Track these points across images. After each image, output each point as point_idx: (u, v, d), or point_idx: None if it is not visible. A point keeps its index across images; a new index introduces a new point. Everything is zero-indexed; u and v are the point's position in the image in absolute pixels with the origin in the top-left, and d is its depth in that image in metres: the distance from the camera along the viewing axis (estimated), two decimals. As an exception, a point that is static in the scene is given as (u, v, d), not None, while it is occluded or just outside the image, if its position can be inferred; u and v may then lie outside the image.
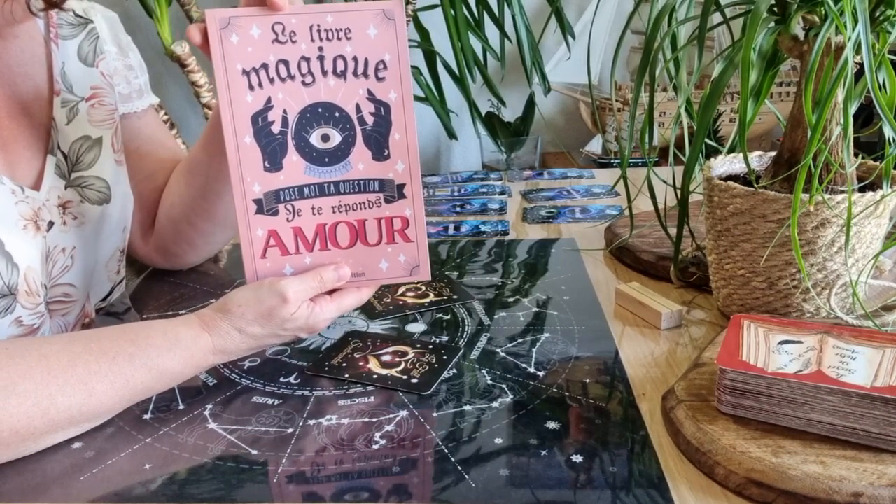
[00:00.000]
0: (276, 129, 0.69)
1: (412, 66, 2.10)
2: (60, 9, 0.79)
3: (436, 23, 2.07)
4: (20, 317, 0.74)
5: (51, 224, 0.78)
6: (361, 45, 0.68)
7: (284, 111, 0.68)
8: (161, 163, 0.94)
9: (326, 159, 0.70)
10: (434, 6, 2.02)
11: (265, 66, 0.67)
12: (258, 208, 0.70)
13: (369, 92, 0.69)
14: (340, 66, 0.68)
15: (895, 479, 0.53)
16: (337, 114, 0.69)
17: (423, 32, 2.08)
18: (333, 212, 0.71)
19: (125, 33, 0.93)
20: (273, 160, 0.69)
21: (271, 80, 0.68)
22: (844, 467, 0.54)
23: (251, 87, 0.67)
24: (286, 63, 0.68)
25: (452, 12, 1.84)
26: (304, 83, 0.68)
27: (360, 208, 0.71)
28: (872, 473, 0.53)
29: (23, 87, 0.79)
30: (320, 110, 0.69)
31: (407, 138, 0.70)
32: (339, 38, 0.68)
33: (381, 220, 0.71)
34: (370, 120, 0.69)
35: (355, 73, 0.68)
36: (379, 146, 0.70)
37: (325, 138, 0.69)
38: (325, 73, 0.68)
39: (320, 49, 0.68)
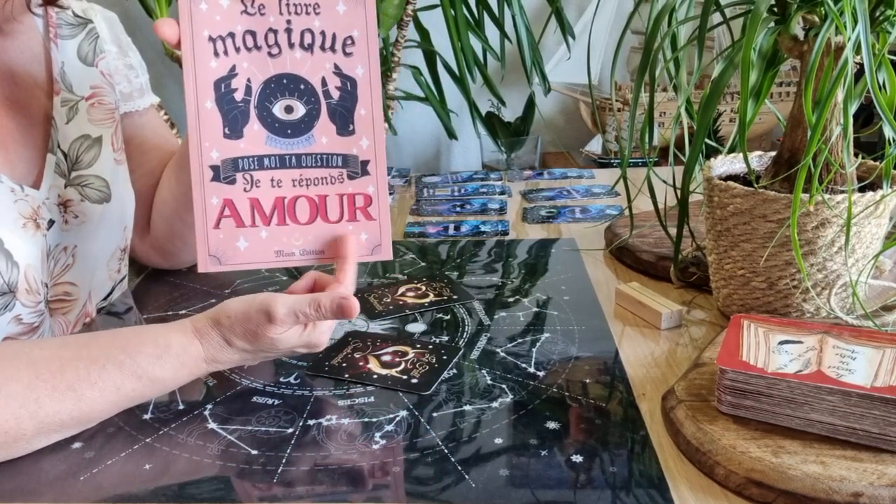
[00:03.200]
0: (238, 96, 0.68)
1: (412, 66, 2.11)
2: (58, 6, 0.79)
3: (436, 23, 2.07)
4: (20, 315, 0.74)
5: (51, 223, 0.78)
6: (329, 20, 0.68)
7: (248, 80, 0.68)
8: (162, 160, 0.95)
9: (289, 131, 0.69)
10: (434, 6, 2.02)
11: (232, 35, 0.67)
12: (214, 175, 0.68)
13: (336, 66, 0.69)
14: (308, 39, 0.68)
15: (895, 479, 0.53)
16: (302, 86, 0.69)
17: (423, 32, 2.09)
18: (294, 185, 0.69)
19: (125, 33, 0.94)
20: (233, 127, 0.68)
21: (237, 49, 0.67)
22: (844, 467, 0.54)
23: (216, 54, 0.67)
24: (253, 34, 0.68)
25: (452, 12, 1.84)
26: (270, 54, 0.68)
27: (322, 183, 0.70)
28: (872, 473, 0.53)
29: (22, 86, 0.79)
30: (285, 81, 0.68)
31: (373, 114, 0.69)
32: (307, 13, 0.68)
33: (343, 197, 0.70)
34: (336, 94, 0.69)
35: (322, 47, 0.68)
36: (344, 121, 0.69)
37: (289, 110, 0.68)
38: (291, 46, 0.68)
39: (288, 22, 0.68)
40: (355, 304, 0.64)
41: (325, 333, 0.68)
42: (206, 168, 0.68)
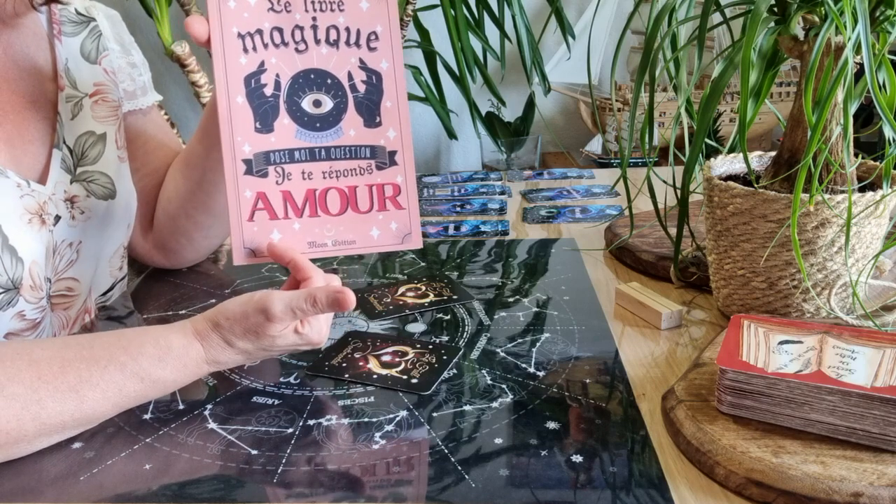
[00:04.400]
0: (268, 91, 0.69)
1: (412, 66, 2.11)
2: (60, 2, 0.79)
3: (436, 23, 2.07)
4: (23, 311, 0.74)
5: (57, 218, 0.78)
6: (354, 16, 0.70)
7: (277, 75, 0.69)
8: (165, 159, 0.95)
9: (318, 124, 0.70)
10: (434, 6, 2.02)
11: (260, 32, 0.69)
12: (247, 169, 0.69)
13: (361, 61, 0.70)
14: (333, 35, 0.70)
15: (895, 479, 0.53)
16: (329, 80, 0.70)
17: (423, 32, 2.09)
18: (324, 177, 0.71)
19: (127, 32, 0.94)
20: (264, 122, 0.69)
21: (265, 45, 0.69)
22: (844, 467, 0.54)
23: (245, 50, 0.68)
24: (280, 30, 0.69)
25: (452, 12, 1.84)
26: (297, 50, 0.69)
27: (351, 175, 0.71)
28: (872, 473, 0.53)
29: (28, 82, 0.79)
30: (312, 76, 0.70)
31: (399, 106, 0.71)
32: (332, 10, 0.70)
33: (373, 187, 0.71)
34: (362, 88, 0.71)
35: (347, 43, 0.70)
36: (370, 113, 0.71)
37: (317, 104, 0.70)
38: (318, 42, 0.70)
39: (314, 19, 0.69)
40: (350, 297, 0.65)
41: (323, 329, 0.68)
42: (239, 162, 0.69)
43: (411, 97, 2.15)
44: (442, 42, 2.09)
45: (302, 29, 0.69)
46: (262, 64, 0.69)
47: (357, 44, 0.70)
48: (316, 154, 0.70)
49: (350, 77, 0.70)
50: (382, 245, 0.72)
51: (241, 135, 0.69)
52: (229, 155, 0.69)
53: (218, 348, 0.65)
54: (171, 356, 0.64)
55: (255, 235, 0.70)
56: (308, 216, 0.71)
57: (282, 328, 0.65)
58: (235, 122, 0.68)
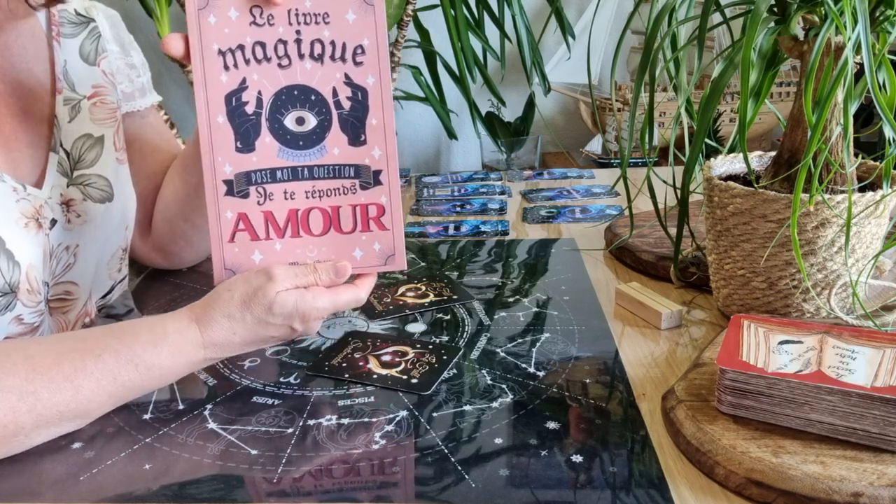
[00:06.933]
0: (249, 109, 0.68)
1: (412, 66, 2.11)
2: (60, 2, 0.79)
3: (436, 23, 2.08)
4: (20, 315, 0.74)
5: (54, 222, 0.78)
6: (339, 29, 0.68)
7: (259, 92, 0.68)
8: (163, 162, 0.94)
9: (301, 143, 0.69)
10: (434, 6, 2.02)
11: (241, 48, 0.67)
12: (228, 189, 0.68)
13: (347, 76, 0.68)
14: (318, 49, 0.68)
15: (895, 479, 0.53)
16: (313, 97, 0.68)
17: (423, 32, 2.09)
18: (307, 197, 0.69)
19: (127, 32, 0.93)
20: (245, 141, 0.68)
21: (247, 61, 0.67)
22: (844, 467, 0.54)
23: (226, 67, 0.67)
24: (262, 45, 0.67)
25: (452, 12, 1.84)
26: (280, 65, 0.68)
27: (335, 194, 0.70)
28: (872, 473, 0.53)
29: (25, 84, 0.79)
30: (296, 93, 0.68)
31: (384, 124, 0.69)
32: (316, 23, 0.67)
33: (356, 207, 0.70)
34: (347, 104, 0.69)
35: (332, 57, 0.68)
36: (355, 131, 0.69)
37: (300, 121, 0.68)
38: (301, 56, 0.68)
39: (298, 32, 0.67)
40: (349, 267, 0.68)
41: (313, 303, 0.67)
42: (220, 183, 0.68)
43: (411, 97, 2.15)
44: (442, 42, 2.10)
45: (285, 43, 0.67)
46: (244, 81, 0.67)
47: (342, 58, 0.68)
48: (298, 173, 0.69)
49: (335, 93, 0.68)
50: (365, 266, 0.71)
51: (222, 155, 0.68)
52: (210, 176, 0.68)
53: (216, 326, 0.65)
54: (166, 341, 0.64)
55: (236, 256, 0.69)
56: (290, 236, 0.70)
57: (281, 288, 0.66)
58: (216, 143, 0.68)
